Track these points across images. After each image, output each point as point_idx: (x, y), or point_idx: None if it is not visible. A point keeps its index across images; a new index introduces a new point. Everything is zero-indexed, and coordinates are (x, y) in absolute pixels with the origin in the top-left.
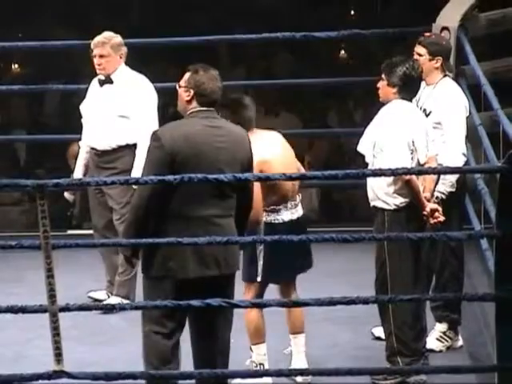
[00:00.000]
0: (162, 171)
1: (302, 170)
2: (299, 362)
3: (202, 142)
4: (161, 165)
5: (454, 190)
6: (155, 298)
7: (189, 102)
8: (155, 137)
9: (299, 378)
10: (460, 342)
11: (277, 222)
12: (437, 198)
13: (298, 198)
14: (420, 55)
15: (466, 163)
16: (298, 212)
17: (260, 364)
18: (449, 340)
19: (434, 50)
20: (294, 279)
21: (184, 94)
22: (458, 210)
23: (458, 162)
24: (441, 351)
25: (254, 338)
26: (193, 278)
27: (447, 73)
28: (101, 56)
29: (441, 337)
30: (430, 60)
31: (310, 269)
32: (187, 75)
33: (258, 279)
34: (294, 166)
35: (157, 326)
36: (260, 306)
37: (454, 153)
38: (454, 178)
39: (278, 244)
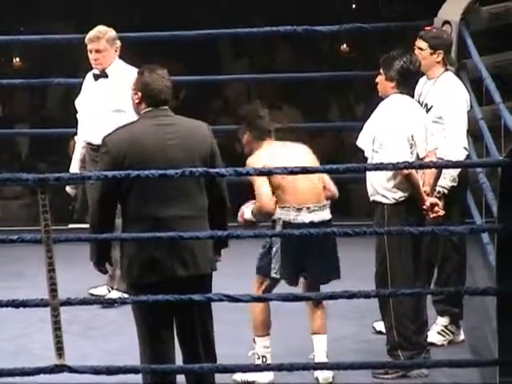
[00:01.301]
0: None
1: (331, 186)
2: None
3: (149, 142)
4: (108, 170)
5: (455, 184)
6: (134, 304)
7: (139, 104)
8: (103, 142)
9: (320, 376)
10: (462, 337)
11: (295, 222)
12: (438, 192)
13: (325, 201)
14: (421, 49)
15: (468, 157)
16: (323, 215)
17: (263, 356)
18: (450, 334)
19: (434, 44)
20: (315, 282)
21: (134, 97)
22: (460, 204)
23: (460, 156)
24: (442, 345)
25: (259, 330)
26: (158, 282)
27: (448, 67)
28: (97, 51)
29: (442, 331)
30: (431, 54)
31: (337, 280)
32: (135, 78)
33: (273, 275)
34: (315, 181)
35: (153, 343)
36: (260, 300)
37: (455, 147)
38: (455, 172)
39: (293, 243)
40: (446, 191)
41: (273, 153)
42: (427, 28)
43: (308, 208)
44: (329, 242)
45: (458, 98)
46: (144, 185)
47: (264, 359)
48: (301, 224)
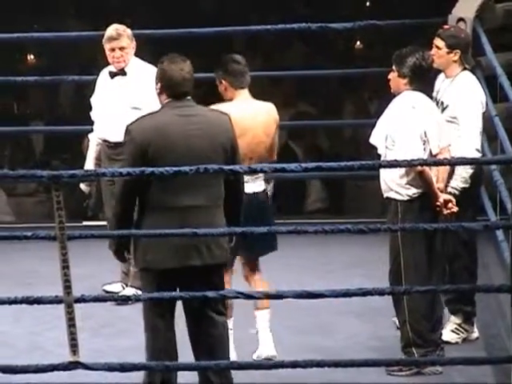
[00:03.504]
0: (136, 164)
1: (274, 148)
2: (266, 337)
3: (172, 131)
4: (135, 158)
5: (467, 185)
6: (145, 289)
7: (160, 94)
8: (127, 131)
9: (266, 353)
10: (476, 334)
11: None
12: (449, 193)
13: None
14: (438, 48)
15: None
16: (257, 187)
17: None
18: (464, 332)
19: (452, 43)
20: (253, 259)
21: (156, 87)
22: (472, 205)
23: (472, 156)
24: (456, 343)
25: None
26: (172, 269)
27: (466, 66)
28: (121, 48)
29: (456, 329)
30: (448, 53)
31: (273, 252)
32: (157, 68)
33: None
34: (263, 140)
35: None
36: (276, 297)
37: (468, 148)
38: (467, 174)
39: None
40: (456, 192)
41: (240, 108)
42: (445, 26)
43: (251, 178)
44: (265, 214)
45: (473, 99)
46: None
47: None
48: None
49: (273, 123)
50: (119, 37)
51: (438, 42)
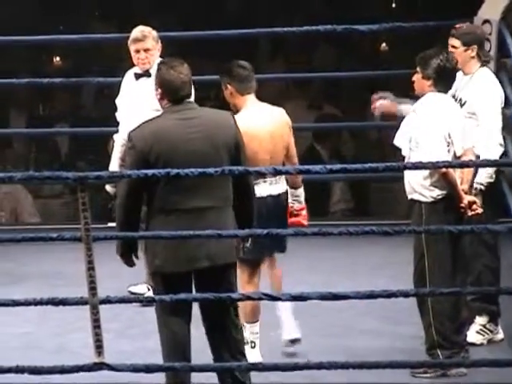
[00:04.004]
0: (139, 170)
1: (292, 149)
2: (288, 320)
3: (173, 135)
4: (137, 164)
5: (492, 180)
6: (156, 291)
7: (161, 99)
8: (128, 138)
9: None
10: (501, 335)
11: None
12: (475, 189)
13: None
14: (455, 47)
15: (503, 154)
16: (279, 188)
17: (252, 342)
18: (489, 333)
19: (467, 40)
20: (265, 257)
21: (156, 93)
22: (495, 200)
23: (495, 152)
24: (481, 344)
25: (249, 316)
26: (181, 272)
27: (484, 59)
28: (146, 50)
29: (481, 330)
30: (465, 50)
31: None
32: (156, 74)
33: (242, 256)
34: (279, 146)
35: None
36: (301, 299)
37: (491, 144)
38: (492, 169)
39: (259, 220)
40: (482, 188)
41: (252, 115)
42: (457, 26)
43: (265, 181)
44: (283, 214)
45: (492, 94)
46: (170, 177)
47: (253, 344)
48: (260, 198)
49: (286, 126)
50: (144, 38)
51: (453, 41)
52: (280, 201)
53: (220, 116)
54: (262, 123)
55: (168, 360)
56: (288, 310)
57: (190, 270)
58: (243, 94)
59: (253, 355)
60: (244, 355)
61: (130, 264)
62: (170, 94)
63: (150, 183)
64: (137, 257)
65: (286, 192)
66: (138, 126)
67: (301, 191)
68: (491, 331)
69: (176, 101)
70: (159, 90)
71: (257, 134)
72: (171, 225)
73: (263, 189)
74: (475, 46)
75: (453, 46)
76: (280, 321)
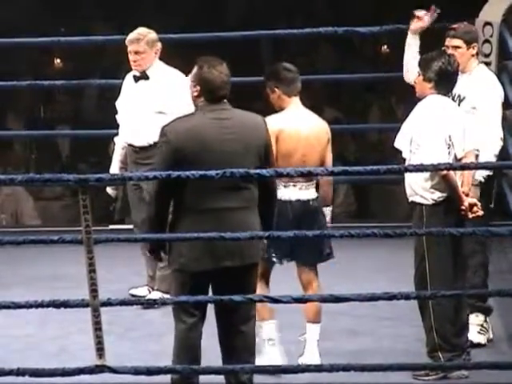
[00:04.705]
0: (170, 166)
1: (329, 160)
2: (311, 350)
3: (207, 134)
4: (168, 160)
5: (491, 173)
6: (176, 289)
7: (197, 97)
8: (162, 132)
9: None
10: (491, 335)
11: (282, 199)
12: (475, 180)
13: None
14: (458, 47)
15: (502, 149)
16: (309, 194)
17: (269, 339)
18: (486, 332)
19: (469, 39)
20: (303, 265)
21: (193, 89)
22: (490, 193)
23: (495, 146)
24: (484, 344)
25: (264, 314)
26: (206, 271)
27: (480, 57)
28: (136, 52)
29: (481, 329)
30: (468, 49)
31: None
32: (194, 70)
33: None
34: (314, 151)
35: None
36: (302, 301)
37: (491, 138)
38: (492, 161)
39: (282, 222)
40: (482, 180)
41: (292, 115)
42: (455, 26)
43: (295, 185)
44: (316, 222)
45: (492, 89)
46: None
47: (270, 342)
48: (287, 201)
49: (324, 134)
50: (136, 41)
51: (454, 42)
52: (310, 207)
53: (252, 118)
54: (301, 125)
55: (177, 355)
56: (314, 340)
57: (218, 268)
58: (290, 96)
59: (272, 353)
60: (253, 355)
61: (159, 259)
62: (209, 92)
63: (180, 182)
64: (165, 252)
65: (317, 199)
66: (172, 121)
67: (330, 209)
68: (487, 330)
69: (213, 100)
70: (197, 88)
71: (294, 134)
72: (198, 224)
73: (292, 192)
74: (476, 44)
75: (455, 47)
76: (304, 347)
